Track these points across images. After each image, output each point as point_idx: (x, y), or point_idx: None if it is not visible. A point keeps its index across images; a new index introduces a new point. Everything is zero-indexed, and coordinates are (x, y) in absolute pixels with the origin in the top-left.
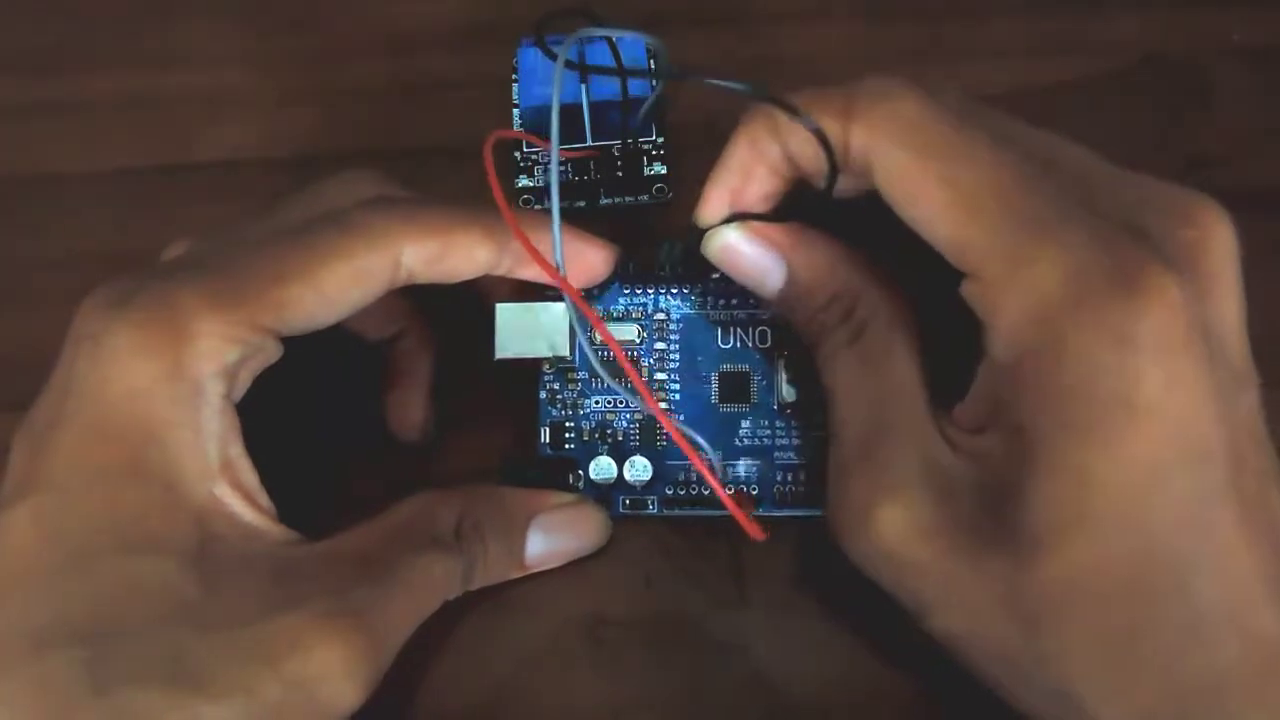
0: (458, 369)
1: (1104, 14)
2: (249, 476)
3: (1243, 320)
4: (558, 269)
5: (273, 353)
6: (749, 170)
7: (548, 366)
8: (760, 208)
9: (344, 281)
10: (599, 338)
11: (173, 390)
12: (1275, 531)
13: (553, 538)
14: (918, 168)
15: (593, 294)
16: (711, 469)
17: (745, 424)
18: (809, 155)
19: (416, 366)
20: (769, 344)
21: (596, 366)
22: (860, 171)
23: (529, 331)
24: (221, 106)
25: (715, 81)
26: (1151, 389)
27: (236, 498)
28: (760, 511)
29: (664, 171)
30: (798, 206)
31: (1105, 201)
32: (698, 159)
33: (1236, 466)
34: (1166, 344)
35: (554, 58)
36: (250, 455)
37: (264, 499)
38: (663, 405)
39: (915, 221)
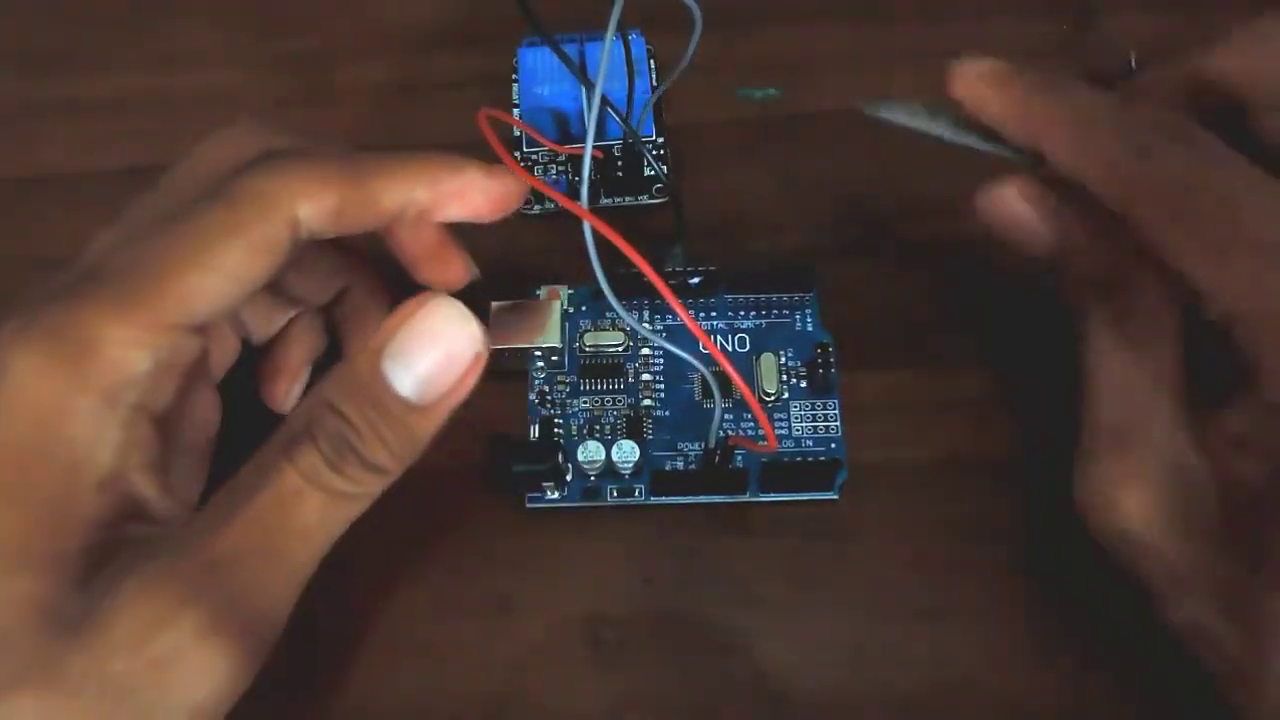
0: None
1: (1104, 14)
2: (144, 487)
3: None
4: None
5: (194, 349)
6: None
7: (539, 363)
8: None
9: (241, 258)
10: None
11: (77, 406)
12: None
13: (414, 359)
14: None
15: (582, 309)
16: (733, 366)
17: (729, 417)
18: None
19: (369, 320)
20: (747, 348)
21: (611, 299)
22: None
23: (521, 326)
24: (221, 106)
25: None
26: None
27: (125, 510)
28: (748, 496)
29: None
30: None
31: None
32: (698, 159)
33: None
34: None
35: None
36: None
37: (163, 504)
38: (646, 403)
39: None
